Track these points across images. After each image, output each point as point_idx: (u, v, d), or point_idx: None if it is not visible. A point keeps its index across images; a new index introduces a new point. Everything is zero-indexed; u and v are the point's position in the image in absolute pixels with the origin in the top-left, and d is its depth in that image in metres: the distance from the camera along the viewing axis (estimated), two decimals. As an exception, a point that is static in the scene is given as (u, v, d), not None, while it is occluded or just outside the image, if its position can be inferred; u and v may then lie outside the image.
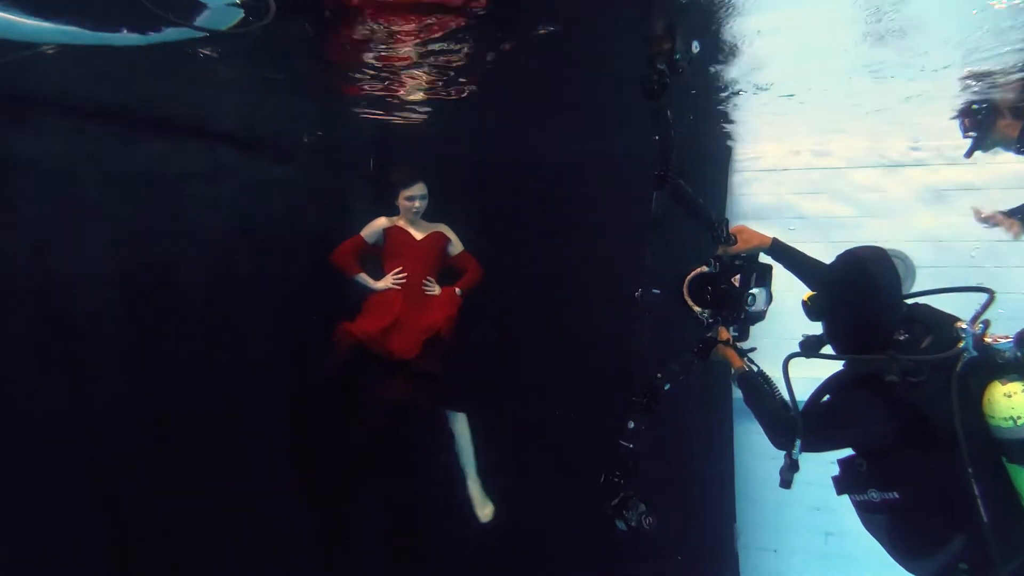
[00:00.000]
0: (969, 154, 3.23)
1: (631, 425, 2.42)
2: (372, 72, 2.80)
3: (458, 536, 3.94)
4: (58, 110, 2.91)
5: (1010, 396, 1.90)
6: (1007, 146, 3.21)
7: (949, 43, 2.44)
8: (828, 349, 2.34)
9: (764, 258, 2.62)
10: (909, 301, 2.29)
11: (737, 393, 2.49)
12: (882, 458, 2.12)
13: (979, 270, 3.76)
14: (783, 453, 2.19)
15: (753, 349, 2.55)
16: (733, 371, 2.47)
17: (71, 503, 2.89)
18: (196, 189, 3.52)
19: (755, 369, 2.46)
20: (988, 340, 2.00)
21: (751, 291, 2.48)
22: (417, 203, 3.95)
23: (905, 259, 3.86)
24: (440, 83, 2.95)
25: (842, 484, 2.23)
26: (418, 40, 2.41)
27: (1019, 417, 1.88)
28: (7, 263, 2.75)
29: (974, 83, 2.88)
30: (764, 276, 2.54)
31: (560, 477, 3.88)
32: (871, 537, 2.23)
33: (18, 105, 2.73)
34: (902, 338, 2.12)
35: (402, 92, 3.12)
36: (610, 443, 2.44)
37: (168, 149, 3.40)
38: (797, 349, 2.33)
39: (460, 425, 3.94)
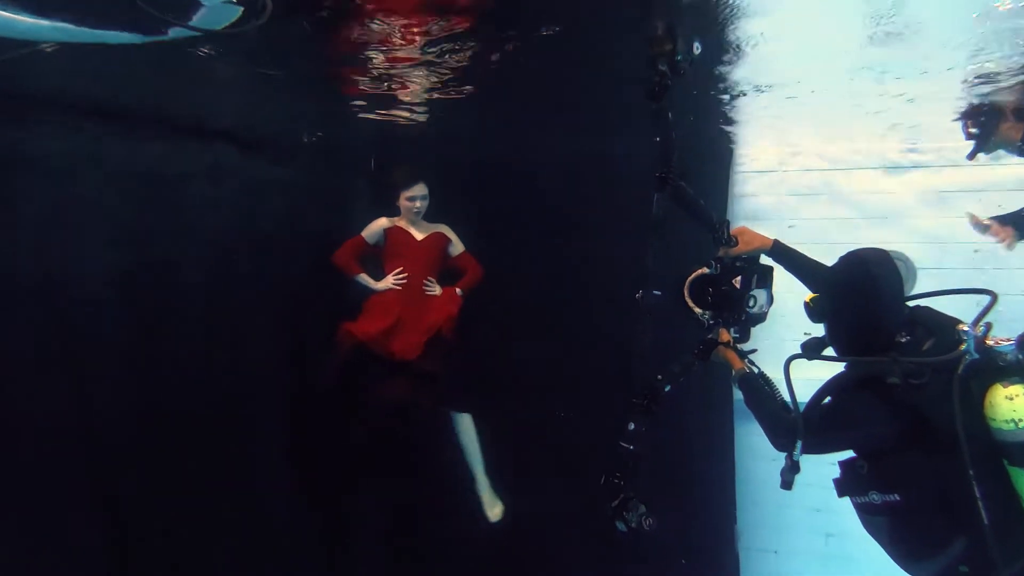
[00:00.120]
0: (972, 156, 3.23)
1: (631, 426, 2.42)
2: (372, 72, 2.80)
3: (458, 536, 3.94)
4: (57, 109, 2.91)
5: (1012, 399, 1.90)
6: (1010, 148, 3.20)
7: (952, 45, 2.43)
8: (830, 351, 2.33)
9: (765, 260, 2.61)
10: (911, 303, 2.28)
11: (738, 394, 2.49)
12: (883, 460, 2.11)
13: (980, 272, 3.76)
14: (784, 454, 2.19)
15: (754, 351, 2.55)
16: (734, 373, 2.47)
17: (71, 503, 2.89)
18: (196, 189, 3.52)
19: (756, 371, 2.46)
20: (990, 342, 2.00)
21: (752, 293, 2.48)
22: (418, 203, 3.94)
23: (906, 261, 3.85)
24: (441, 83, 2.95)
25: (843, 486, 2.22)
26: (419, 40, 2.41)
27: (1020, 420, 1.87)
28: (7, 262, 2.75)
29: (977, 85, 2.87)
30: (765, 278, 2.54)
31: (560, 478, 3.87)
32: (871, 539, 2.22)
33: (16, 104, 2.73)
34: (904, 340, 2.12)
35: (402, 92, 3.11)
36: (610, 444, 2.44)
37: (168, 148, 3.39)
38: (798, 351, 2.33)
39: (465, 425, 3.93)
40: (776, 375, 2.32)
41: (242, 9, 1.93)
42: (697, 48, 2.33)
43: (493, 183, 4.24)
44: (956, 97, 3.09)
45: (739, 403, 3.98)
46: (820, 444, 2.18)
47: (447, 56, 2.58)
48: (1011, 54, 2.50)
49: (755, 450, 4.12)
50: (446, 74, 2.82)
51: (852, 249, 2.26)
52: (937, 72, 2.68)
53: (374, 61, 2.66)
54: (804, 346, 2.35)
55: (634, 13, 2.26)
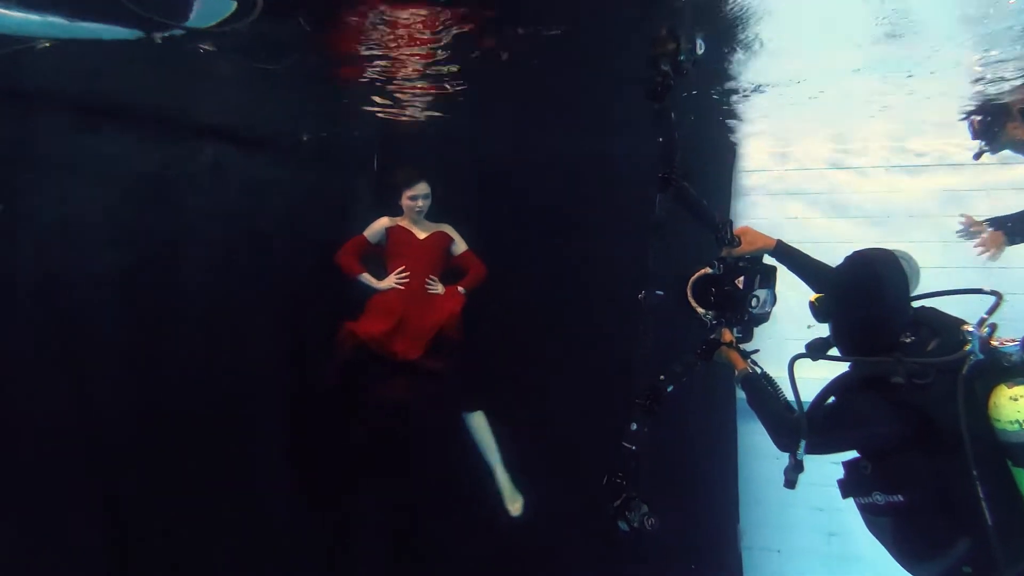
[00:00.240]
0: (978, 156, 3.22)
1: (634, 426, 2.41)
2: (373, 70, 2.79)
3: (459, 536, 3.93)
4: (56, 107, 2.90)
5: (1016, 399, 1.89)
6: (1016, 148, 3.19)
7: (959, 43, 2.42)
8: (834, 351, 2.32)
9: (768, 260, 2.60)
10: (916, 304, 2.27)
11: (740, 393, 2.48)
12: (887, 461, 2.10)
13: (984, 271, 3.74)
14: (787, 453, 2.18)
15: (756, 351, 2.54)
16: (737, 373, 2.46)
17: (71, 503, 2.88)
18: (195, 188, 3.52)
19: (759, 371, 2.45)
20: (995, 343, 1.99)
21: (755, 293, 2.47)
22: (420, 202, 3.94)
23: (909, 260, 3.83)
24: (442, 82, 2.94)
25: (846, 487, 2.21)
26: (419, 39, 2.40)
27: (1025, 420, 1.86)
28: (6, 262, 2.74)
29: (984, 85, 2.86)
30: (768, 278, 2.54)
31: (561, 477, 3.86)
32: (874, 538, 2.21)
33: (14, 102, 2.72)
34: (908, 340, 2.11)
35: (403, 90, 3.11)
36: (613, 444, 2.43)
37: (168, 147, 3.39)
38: (801, 350, 2.32)
39: (478, 423, 3.92)
40: (779, 375, 2.31)
41: (235, 5, 1.92)
42: (700, 47, 2.32)
43: (494, 183, 4.24)
44: (963, 97, 3.07)
45: (741, 402, 3.96)
46: (824, 444, 2.17)
47: (448, 55, 2.57)
48: (1019, 53, 2.48)
49: (758, 449, 4.11)
50: (447, 73, 2.81)
51: (858, 249, 2.26)
52: (944, 71, 2.67)
53: (375, 60, 2.65)
54: (809, 346, 2.34)
55: (635, 13, 2.25)
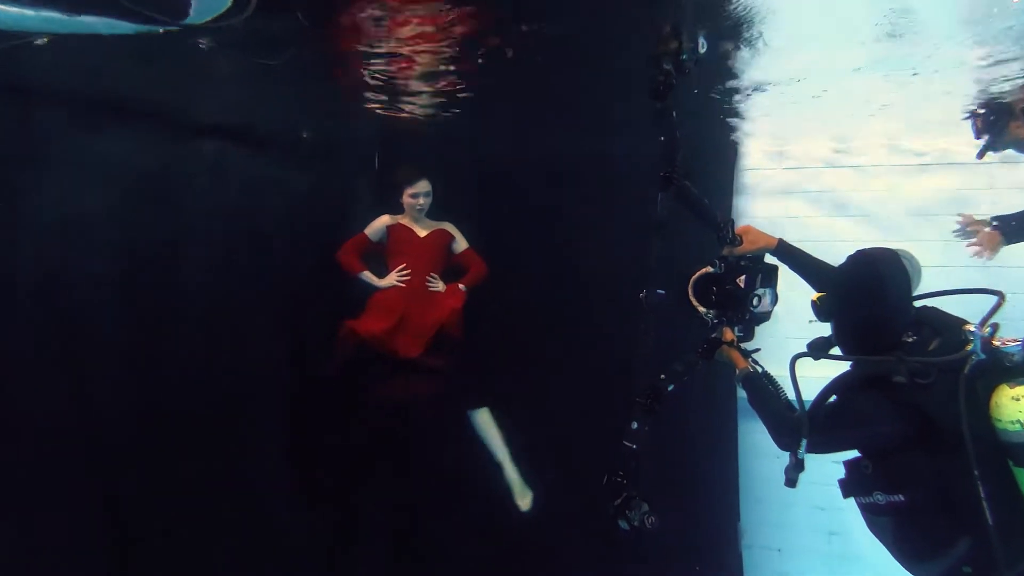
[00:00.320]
0: (981, 155, 3.21)
1: (634, 425, 2.41)
2: (373, 68, 2.79)
3: (459, 536, 3.93)
4: (55, 106, 2.89)
5: (1018, 399, 1.89)
6: (1019, 148, 3.18)
7: (962, 42, 2.42)
8: (836, 350, 2.32)
9: (770, 259, 2.60)
10: (917, 303, 2.27)
11: (741, 392, 2.48)
12: (888, 460, 2.10)
13: (984, 271, 3.73)
14: (788, 452, 2.17)
15: (757, 350, 2.54)
16: (738, 372, 2.46)
17: (71, 503, 2.88)
18: (195, 186, 3.51)
19: (760, 370, 2.45)
20: (996, 343, 1.98)
21: (756, 292, 2.47)
22: (421, 200, 3.94)
23: (911, 259, 3.82)
24: (444, 80, 2.94)
25: (847, 487, 2.21)
26: (424, 36, 2.39)
27: (1026, 420, 1.86)
28: (6, 261, 2.74)
29: (987, 84, 2.85)
30: (770, 277, 2.53)
31: (562, 477, 3.86)
32: (875, 537, 2.21)
33: (13, 99, 2.71)
34: (910, 340, 2.11)
35: (404, 90, 3.10)
36: (613, 443, 2.43)
37: (167, 145, 3.38)
38: (802, 349, 2.31)
39: (483, 420, 3.92)
40: (780, 374, 2.30)
41: (230, 1, 1.91)
42: (703, 46, 2.32)
43: (495, 181, 4.23)
44: (966, 96, 3.07)
45: (742, 401, 3.95)
46: (825, 443, 2.16)
47: (452, 53, 2.56)
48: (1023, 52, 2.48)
49: (758, 448, 4.11)
50: (450, 71, 2.80)
51: (860, 248, 2.26)
52: (947, 70, 2.67)
53: (375, 57, 2.64)
54: (810, 345, 2.34)
55: (637, 12, 2.24)
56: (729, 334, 2.51)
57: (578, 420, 3.96)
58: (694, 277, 2.55)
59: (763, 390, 2.36)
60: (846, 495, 2.22)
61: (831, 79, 2.91)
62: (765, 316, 2.55)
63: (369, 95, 3.21)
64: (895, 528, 2.12)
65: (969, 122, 3.31)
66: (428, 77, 2.88)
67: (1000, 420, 1.91)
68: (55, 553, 2.82)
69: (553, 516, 3.95)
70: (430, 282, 3.99)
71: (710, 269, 2.54)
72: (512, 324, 4.17)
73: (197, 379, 3.37)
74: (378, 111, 3.52)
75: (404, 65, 2.71)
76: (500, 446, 3.91)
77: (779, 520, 4.31)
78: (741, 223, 2.65)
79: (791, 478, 2.17)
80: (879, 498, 2.10)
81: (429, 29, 2.31)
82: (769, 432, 2.27)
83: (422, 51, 2.53)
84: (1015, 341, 1.97)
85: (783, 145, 4.24)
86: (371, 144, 4.40)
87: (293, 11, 2.20)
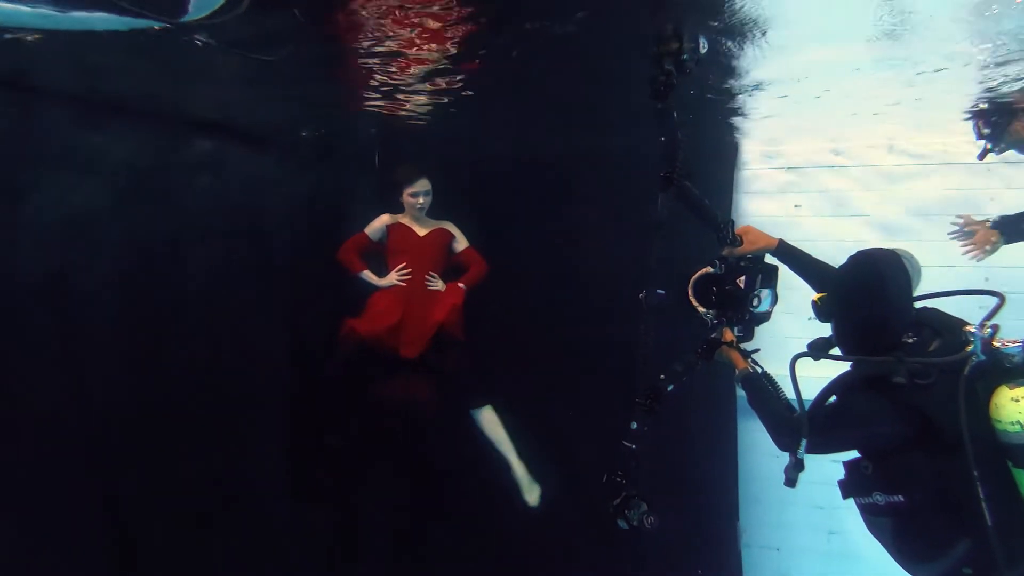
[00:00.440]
0: (983, 156, 3.20)
1: (634, 425, 2.41)
2: (374, 66, 2.78)
3: (459, 536, 3.93)
4: (54, 105, 2.88)
5: (1017, 400, 1.89)
6: (1021, 148, 3.18)
7: (965, 43, 2.41)
8: (836, 350, 2.32)
9: (770, 259, 2.60)
10: (918, 304, 2.27)
11: (741, 393, 2.48)
12: (887, 461, 2.10)
13: (985, 270, 3.73)
14: (787, 452, 2.17)
15: (757, 350, 2.54)
16: (737, 372, 2.46)
17: (71, 502, 2.88)
18: (195, 185, 3.51)
19: (759, 370, 2.45)
20: (997, 344, 1.98)
21: (756, 292, 2.47)
22: (421, 199, 3.94)
23: (911, 259, 3.82)
24: (444, 78, 2.93)
25: (847, 487, 2.22)
26: (427, 34, 2.38)
27: (1026, 421, 1.86)
28: (6, 260, 2.74)
29: (990, 84, 2.85)
30: (770, 277, 2.54)
31: (562, 477, 3.86)
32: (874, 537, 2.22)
33: (12, 98, 2.71)
34: (910, 341, 2.11)
35: (404, 88, 3.09)
36: (613, 443, 2.43)
37: (168, 145, 3.38)
38: (802, 349, 2.31)
39: (488, 418, 3.91)
40: (780, 374, 2.30)
41: None
42: (704, 45, 2.31)
43: (495, 180, 4.23)
44: (968, 95, 3.06)
45: (742, 400, 3.96)
46: (824, 443, 2.17)
47: (455, 51, 2.55)
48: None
49: (758, 447, 4.12)
50: (451, 69, 2.79)
51: (861, 249, 2.26)
52: (950, 70, 2.66)
53: (375, 58, 2.63)
54: (810, 345, 2.34)
55: (638, 12, 2.24)
56: (729, 334, 2.52)
57: (578, 420, 3.97)
58: (694, 277, 2.55)
59: (763, 390, 2.36)
60: (846, 496, 2.23)
61: (833, 79, 2.90)
62: (765, 316, 2.55)
63: (369, 93, 3.20)
64: (894, 529, 2.12)
65: (971, 123, 3.30)
66: (430, 75, 2.87)
67: (1000, 421, 1.91)
68: (55, 553, 2.81)
69: (553, 516, 3.95)
70: (430, 281, 3.99)
71: (710, 269, 2.54)
72: (511, 324, 4.17)
73: (197, 379, 3.37)
74: (378, 110, 3.52)
75: (406, 63, 2.70)
76: (506, 443, 3.90)
77: (778, 519, 4.31)
78: (741, 223, 2.65)
79: (791, 478, 2.17)
80: (878, 499, 2.10)
81: (438, 23, 2.29)
82: (769, 432, 2.27)
83: (427, 48, 2.51)
84: (1015, 342, 1.98)
85: (784, 145, 4.23)
86: (371, 143, 4.40)
87: (290, 8, 2.20)
